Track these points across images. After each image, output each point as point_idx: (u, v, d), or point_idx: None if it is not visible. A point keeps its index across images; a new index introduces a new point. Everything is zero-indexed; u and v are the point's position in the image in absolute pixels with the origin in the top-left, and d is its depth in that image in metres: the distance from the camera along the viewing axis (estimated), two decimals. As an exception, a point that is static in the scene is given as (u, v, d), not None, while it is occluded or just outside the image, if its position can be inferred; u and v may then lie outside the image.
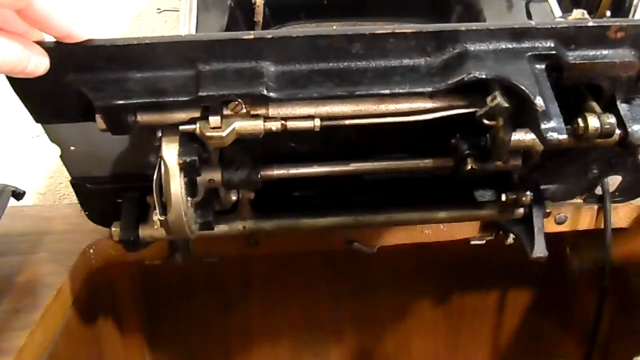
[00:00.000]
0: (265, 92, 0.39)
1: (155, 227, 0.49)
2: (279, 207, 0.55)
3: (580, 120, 0.43)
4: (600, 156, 0.56)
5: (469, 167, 0.48)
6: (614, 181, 0.61)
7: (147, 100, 0.39)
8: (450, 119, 0.43)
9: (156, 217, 0.45)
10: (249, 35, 0.39)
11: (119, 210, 0.52)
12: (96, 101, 0.39)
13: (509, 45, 0.40)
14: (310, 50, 0.40)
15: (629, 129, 0.43)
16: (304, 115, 0.43)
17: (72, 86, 0.39)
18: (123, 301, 0.70)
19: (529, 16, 0.58)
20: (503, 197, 0.53)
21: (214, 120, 0.41)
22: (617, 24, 0.40)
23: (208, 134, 0.41)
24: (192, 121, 0.42)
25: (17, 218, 0.63)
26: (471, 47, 0.40)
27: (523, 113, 0.40)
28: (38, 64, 0.36)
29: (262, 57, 0.40)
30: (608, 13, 0.55)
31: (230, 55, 0.39)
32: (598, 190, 0.61)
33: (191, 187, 0.44)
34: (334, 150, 0.52)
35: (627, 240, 0.65)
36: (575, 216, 0.63)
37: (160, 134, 0.42)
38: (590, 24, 0.40)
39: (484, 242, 0.63)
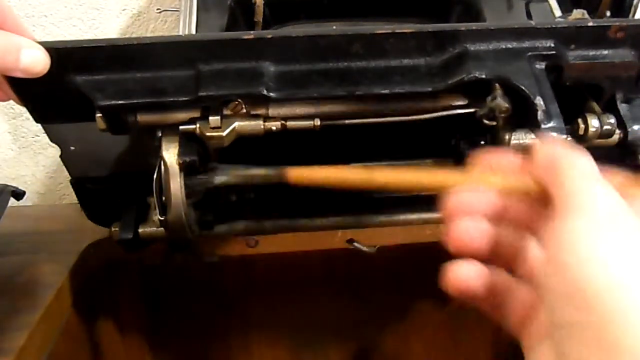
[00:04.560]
0: (265, 92, 0.39)
1: (155, 227, 0.49)
2: (279, 207, 0.55)
3: (580, 121, 0.43)
4: (600, 156, 0.56)
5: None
6: (614, 181, 0.60)
7: (147, 100, 0.39)
8: (450, 119, 0.43)
9: (156, 217, 0.45)
10: (249, 35, 0.39)
11: (119, 210, 0.52)
12: (96, 101, 0.39)
13: (509, 45, 0.40)
14: (310, 50, 0.40)
15: (629, 129, 0.43)
16: (304, 115, 0.43)
17: (72, 86, 0.39)
18: (123, 301, 0.70)
19: (529, 16, 0.58)
20: (503, 197, 0.53)
21: (214, 120, 0.41)
22: (617, 24, 0.40)
23: (208, 134, 0.41)
24: (192, 121, 0.42)
25: (17, 218, 0.63)
26: (471, 47, 0.40)
27: (523, 113, 0.40)
28: (34, 59, 0.36)
29: (262, 57, 0.40)
30: (608, 13, 0.55)
31: (230, 55, 0.39)
32: (598, 190, 0.61)
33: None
34: (334, 150, 0.52)
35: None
36: (575, 216, 0.63)
37: (160, 134, 0.42)
38: (590, 24, 0.40)
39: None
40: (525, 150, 0.31)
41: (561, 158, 0.28)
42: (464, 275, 0.30)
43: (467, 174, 0.32)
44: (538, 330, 0.28)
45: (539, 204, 0.29)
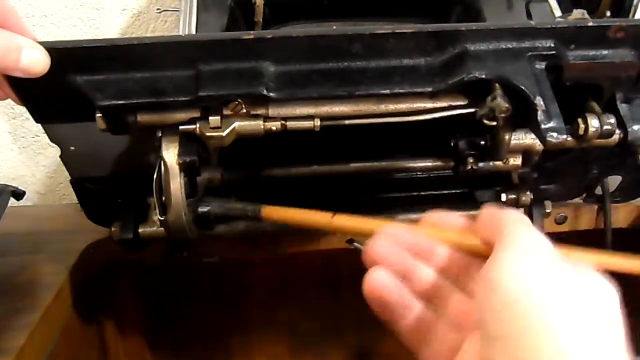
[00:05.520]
0: (265, 92, 0.39)
1: (155, 227, 0.49)
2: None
3: (580, 121, 0.43)
4: (600, 156, 0.56)
5: (469, 167, 0.48)
6: (614, 181, 0.61)
7: (147, 100, 0.39)
8: (451, 119, 0.43)
9: (156, 217, 0.45)
10: (249, 35, 0.39)
11: (119, 210, 0.52)
12: (96, 101, 0.39)
13: (509, 45, 0.40)
14: (310, 50, 0.40)
15: (629, 129, 0.43)
16: (304, 115, 0.43)
17: (72, 86, 0.39)
18: (123, 301, 0.70)
19: (529, 16, 0.58)
20: (503, 197, 0.53)
21: (214, 120, 0.41)
22: (617, 24, 0.40)
23: (208, 134, 0.41)
24: (192, 121, 0.42)
25: (17, 218, 0.63)
26: (471, 47, 0.40)
27: (523, 113, 0.40)
28: (34, 59, 0.36)
29: (262, 57, 0.40)
30: (608, 13, 0.55)
31: (230, 55, 0.39)
32: (598, 190, 0.61)
33: (191, 187, 0.44)
34: (334, 150, 0.52)
35: (627, 240, 0.65)
36: (575, 216, 0.63)
37: (160, 134, 0.42)
38: (590, 24, 0.40)
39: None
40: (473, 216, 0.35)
41: (501, 215, 0.33)
42: (380, 281, 0.35)
43: (414, 226, 0.37)
44: None
45: (468, 262, 0.35)
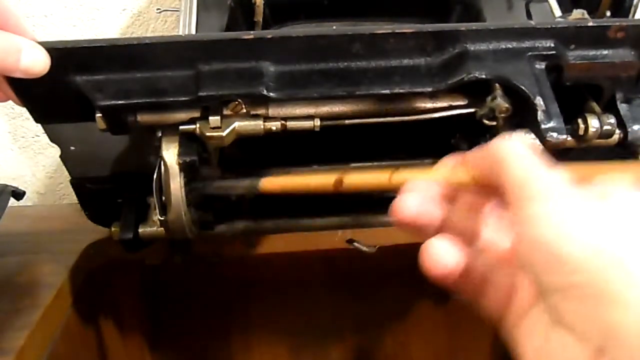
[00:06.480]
0: (265, 92, 0.39)
1: (155, 227, 0.49)
2: (279, 207, 0.55)
3: (580, 121, 0.43)
4: (600, 156, 0.56)
5: (469, 167, 0.48)
6: (614, 181, 0.60)
7: (147, 100, 0.39)
8: (451, 119, 0.43)
9: (156, 217, 0.45)
10: (249, 35, 0.39)
11: (119, 210, 0.52)
12: (96, 101, 0.39)
13: (509, 45, 0.40)
14: (310, 50, 0.40)
15: (629, 129, 0.43)
16: (304, 115, 0.43)
17: (72, 86, 0.39)
18: (123, 301, 0.70)
19: (529, 16, 0.58)
20: (503, 197, 0.53)
21: (214, 120, 0.41)
22: (617, 24, 0.40)
23: (208, 134, 0.41)
24: (192, 121, 0.42)
25: (17, 218, 0.63)
26: (471, 47, 0.40)
27: (523, 113, 0.40)
28: (34, 60, 0.36)
29: (262, 57, 0.40)
30: (608, 13, 0.55)
31: (230, 55, 0.39)
32: (598, 190, 0.61)
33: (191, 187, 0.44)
34: (334, 150, 0.52)
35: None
36: (575, 216, 0.63)
37: (160, 134, 0.42)
38: (590, 24, 0.40)
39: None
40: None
41: (505, 151, 0.30)
42: (439, 253, 0.32)
43: (424, 171, 0.35)
44: (520, 306, 0.30)
45: (484, 192, 0.32)
